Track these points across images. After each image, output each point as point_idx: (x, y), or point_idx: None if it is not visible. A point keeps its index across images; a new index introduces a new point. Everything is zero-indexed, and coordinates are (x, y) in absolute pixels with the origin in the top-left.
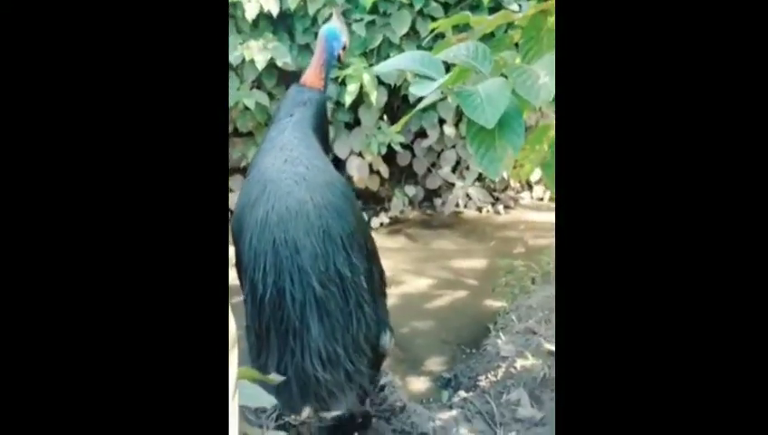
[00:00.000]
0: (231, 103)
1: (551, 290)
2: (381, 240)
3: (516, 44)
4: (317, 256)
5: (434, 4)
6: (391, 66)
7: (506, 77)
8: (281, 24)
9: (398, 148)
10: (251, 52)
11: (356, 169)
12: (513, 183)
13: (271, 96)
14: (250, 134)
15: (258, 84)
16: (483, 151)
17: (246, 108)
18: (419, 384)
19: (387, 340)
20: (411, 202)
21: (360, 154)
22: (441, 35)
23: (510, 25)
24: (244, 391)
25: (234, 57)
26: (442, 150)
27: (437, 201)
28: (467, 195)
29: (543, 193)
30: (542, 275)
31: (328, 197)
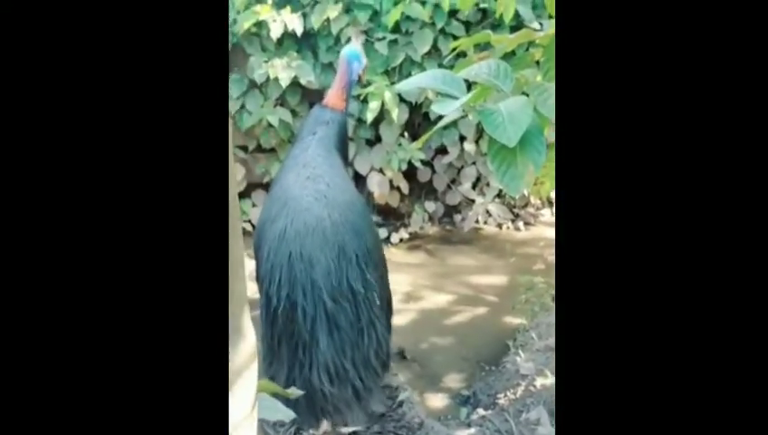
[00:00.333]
0: (255, 120)
1: None
2: (401, 256)
3: (537, 62)
4: (330, 272)
5: (455, 23)
6: (413, 84)
7: (527, 95)
8: (305, 42)
9: (418, 164)
10: (275, 70)
11: (377, 185)
12: (533, 200)
13: (294, 113)
14: (273, 150)
15: (282, 102)
16: (504, 169)
17: (270, 125)
18: (438, 401)
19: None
20: (431, 218)
21: (380, 170)
22: (462, 54)
23: (531, 44)
24: (264, 403)
25: (258, 75)
26: (462, 167)
27: (457, 217)
28: (487, 211)
29: None
30: None
31: (346, 215)
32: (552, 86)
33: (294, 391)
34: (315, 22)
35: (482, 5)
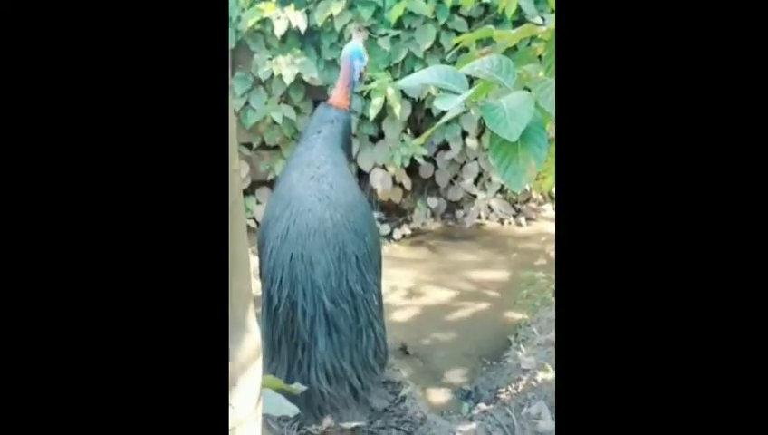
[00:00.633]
0: (259, 117)
1: None
2: (403, 252)
3: (540, 57)
4: (330, 273)
5: (458, 19)
6: (416, 81)
7: (530, 90)
8: (308, 39)
9: (420, 160)
10: (279, 67)
11: (379, 181)
12: (534, 195)
13: (298, 110)
14: (277, 148)
15: (286, 99)
16: (506, 164)
17: (274, 122)
18: (440, 396)
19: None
20: (433, 214)
21: (383, 166)
22: (465, 49)
23: (533, 39)
24: (268, 399)
25: (262, 72)
26: (464, 163)
27: (459, 213)
28: (489, 207)
29: None
30: None
31: (348, 216)
32: (554, 81)
33: (298, 387)
34: (318, 18)
35: (484, 1)
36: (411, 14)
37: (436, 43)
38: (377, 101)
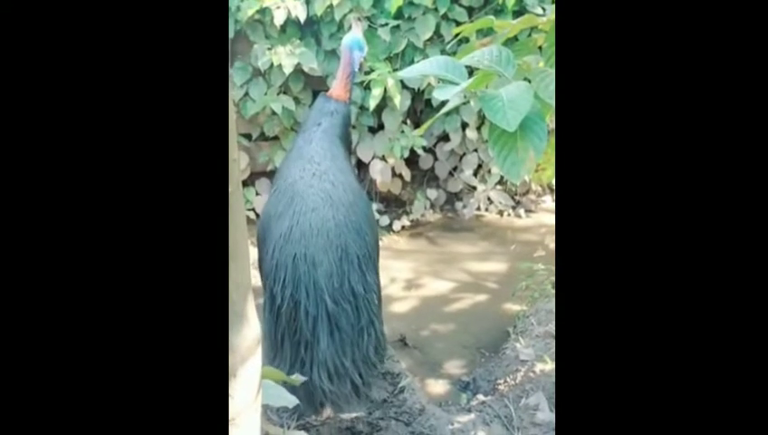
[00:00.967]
0: (258, 108)
1: None
2: (402, 243)
3: (540, 48)
4: (332, 274)
5: (458, 9)
6: (415, 72)
7: (530, 81)
8: (308, 29)
9: (420, 151)
10: (278, 57)
11: (379, 172)
12: (534, 187)
13: (297, 101)
14: (276, 138)
15: (285, 89)
16: (504, 154)
17: (273, 112)
18: (438, 387)
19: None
20: (433, 205)
21: (383, 158)
22: (465, 39)
23: (534, 29)
24: (267, 390)
25: (262, 62)
26: (464, 154)
27: (459, 204)
28: (489, 198)
29: None
30: None
31: (349, 216)
32: (554, 72)
33: (298, 378)
34: (318, 8)
35: None
36: (411, 3)
37: (437, 33)
38: (376, 92)
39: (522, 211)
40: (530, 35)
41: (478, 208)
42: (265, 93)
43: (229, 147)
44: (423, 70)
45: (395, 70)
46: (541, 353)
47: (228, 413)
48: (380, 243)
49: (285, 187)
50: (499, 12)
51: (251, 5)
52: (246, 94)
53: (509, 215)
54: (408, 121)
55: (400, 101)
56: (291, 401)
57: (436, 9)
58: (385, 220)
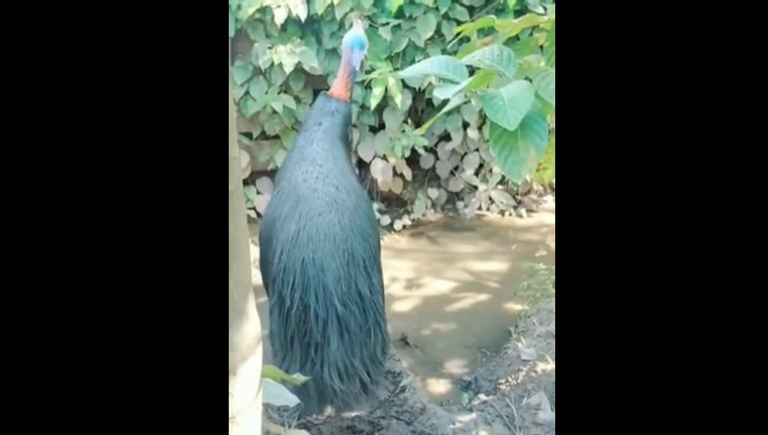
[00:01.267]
0: (259, 107)
1: None
2: (404, 242)
3: (541, 47)
4: (340, 278)
5: (459, 8)
6: (416, 71)
7: (531, 80)
8: (308, 28)
9: (421, 151)
10: (279, 56)
11: (380, 171)
12: (535, 186)
13: (298, 100)
14: (277, 137)
15: (286, 88)
16: (505, 154)
17: (274, 111)
18: (440, 387)
19: None
20: (434, 205)
21: (384, 157)
22: (466, 39)
23: (535, 29)
24: (268, 389)
25: (262, 61)
26: (465, 154)
27: (460, 204)
28: (490, 198)
29: None
30: None
31: (354, 219)
32: (554, 71)
33: (299, 377)
34: (319, 7)
35: None
36: (412, 2)
37: (438, 32)
38: (377, 91)
39: (523, 211)
40: (531, 35)
41: (479, 208)
42: (266, 92)
43: (230, 145)
44: (424, 69)
45: (396, 69)
46: (542, 353)
47: (228, 411)
48: (381, 242)
49: (289, 189)
50: (500, 11)
51: (251, 4)
52: (247, 93)
53: (510, 214)
54: (410, 121)
55: (401, 100)
56: (292, 400)
57: (437, 8)
58: (386, 220)
